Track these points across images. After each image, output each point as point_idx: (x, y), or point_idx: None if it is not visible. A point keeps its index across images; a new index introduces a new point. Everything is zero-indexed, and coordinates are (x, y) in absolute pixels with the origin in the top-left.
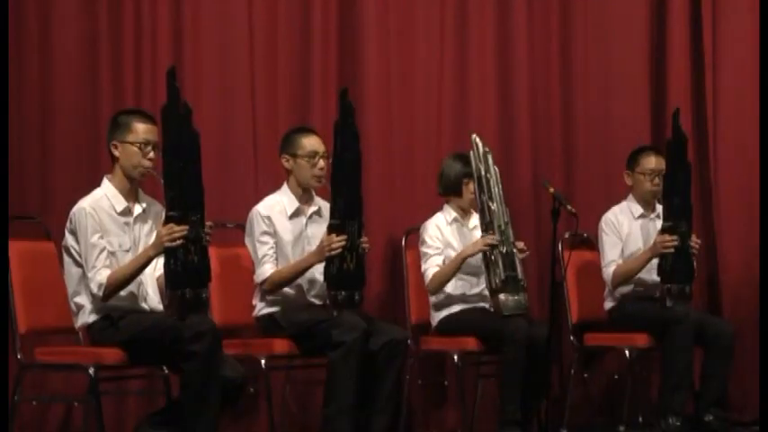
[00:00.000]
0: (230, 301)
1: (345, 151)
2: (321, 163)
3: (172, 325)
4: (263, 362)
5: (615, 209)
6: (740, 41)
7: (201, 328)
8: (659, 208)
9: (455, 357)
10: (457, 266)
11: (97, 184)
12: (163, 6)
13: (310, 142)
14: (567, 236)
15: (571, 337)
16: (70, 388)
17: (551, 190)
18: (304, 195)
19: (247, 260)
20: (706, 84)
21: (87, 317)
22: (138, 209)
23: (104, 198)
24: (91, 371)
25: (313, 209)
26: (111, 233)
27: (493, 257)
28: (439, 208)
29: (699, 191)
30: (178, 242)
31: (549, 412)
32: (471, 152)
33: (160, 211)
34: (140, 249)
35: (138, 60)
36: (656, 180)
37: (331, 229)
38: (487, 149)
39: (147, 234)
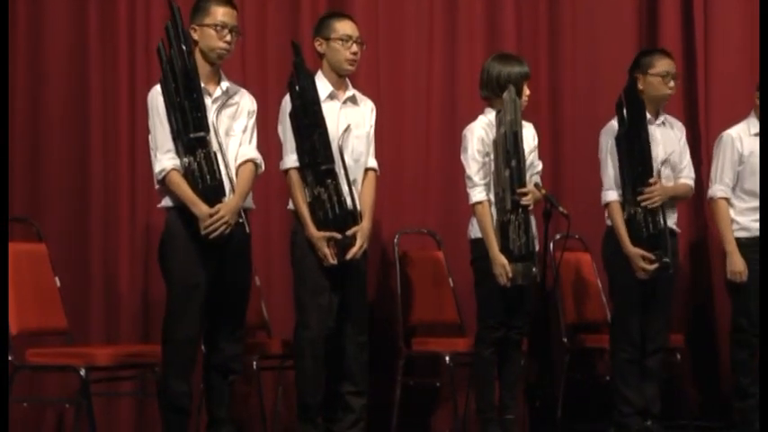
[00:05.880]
0: None
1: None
2: (354, 47)
3: (189, 316)
4: (254, 363)
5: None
6: (732, 48)
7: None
8: (664, 115)
9: (446, 358)
10: None
11: (89, 185)
12: (156, 7)
13: (344, 26)
14: (558, 237)
15: (564, 339)
16: (62, 389)
17: (543, 191)
18: (338, 81)
19: None
20: (699, 89)
21: (167, 200)
22: (218, 91)
23: None
24: (82, 372)
25: (348, 95)
26: None
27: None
28: (426, 213)
29: (695, 197)
30: (216, 233)
31: (541, 414)
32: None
33: (243, 96)
34: (218, 133)
35: (131, 63)
36: (672, 83)
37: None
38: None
39: (224, 116)
